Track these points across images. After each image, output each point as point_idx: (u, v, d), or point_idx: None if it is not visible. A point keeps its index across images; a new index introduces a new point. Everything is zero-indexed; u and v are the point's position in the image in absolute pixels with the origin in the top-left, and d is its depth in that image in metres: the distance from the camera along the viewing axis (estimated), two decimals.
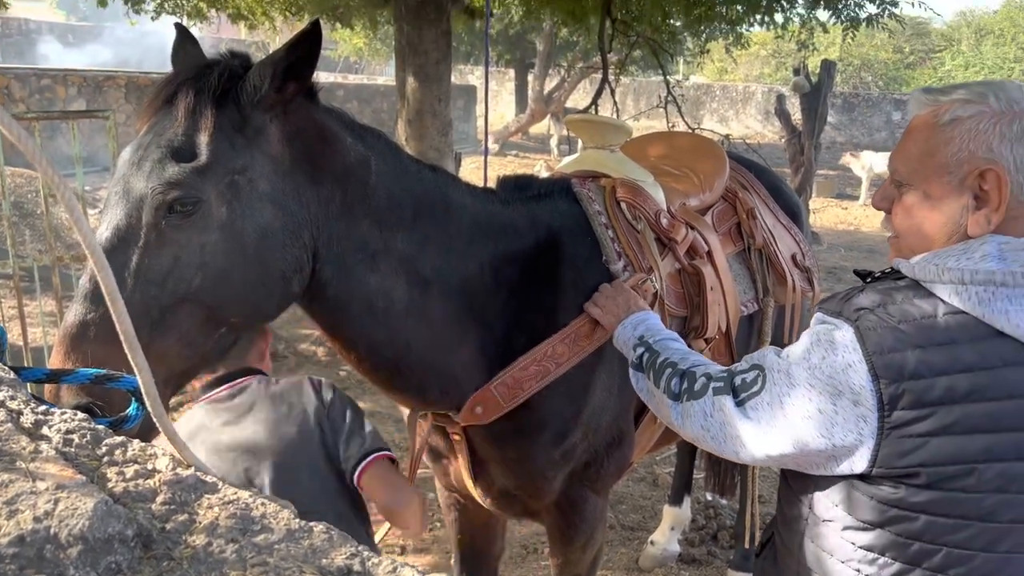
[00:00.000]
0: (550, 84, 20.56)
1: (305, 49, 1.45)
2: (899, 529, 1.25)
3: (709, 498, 3.98)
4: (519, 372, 1.82)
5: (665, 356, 1.59)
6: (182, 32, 1.67)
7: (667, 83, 7.53)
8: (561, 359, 1.83)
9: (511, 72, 27.53)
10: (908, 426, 1.19)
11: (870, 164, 14.79)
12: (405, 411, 2.12)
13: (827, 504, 1.34)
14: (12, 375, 0.78)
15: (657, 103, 7.67)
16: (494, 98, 28.64)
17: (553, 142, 20.29)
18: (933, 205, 1.28)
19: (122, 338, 0.66)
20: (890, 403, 1.19)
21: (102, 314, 1.33)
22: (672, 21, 8.47)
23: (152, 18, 9.62)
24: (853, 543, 1.30)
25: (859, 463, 1.24)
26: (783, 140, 10.88)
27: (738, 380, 1.39)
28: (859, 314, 1.24)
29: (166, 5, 9.14)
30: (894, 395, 1.19)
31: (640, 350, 1.66)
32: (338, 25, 10.56)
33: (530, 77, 23.25)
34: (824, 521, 1.35)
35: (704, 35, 9.81)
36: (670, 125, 7.60)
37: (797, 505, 1.43)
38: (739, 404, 1.36)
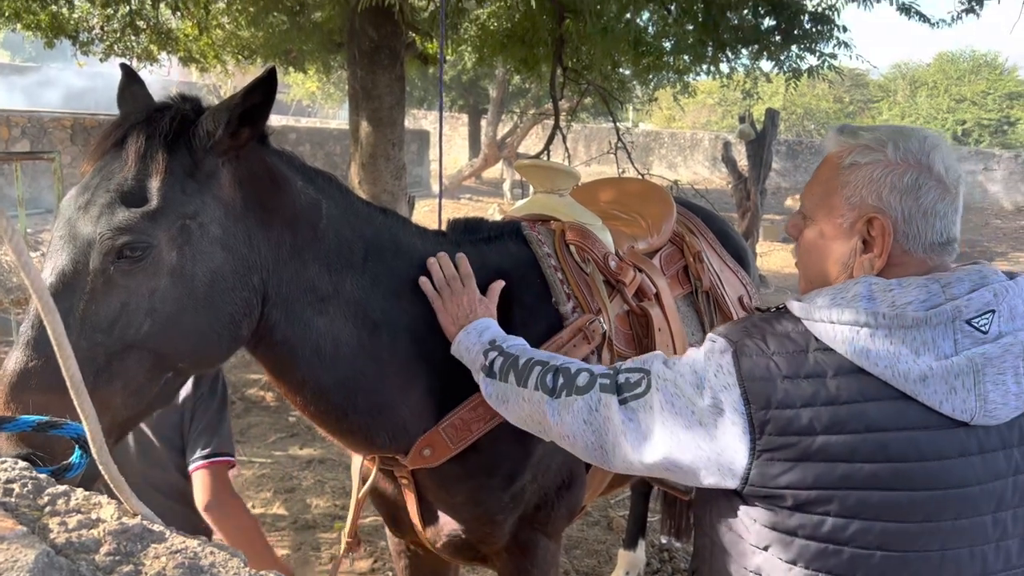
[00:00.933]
0: (503, 129, 20.85)
1: (261, 95, 1.45)
2: (778, 552, 1.29)
3: (664, 541, 3.98)
4: (467, 413, 1.81)
5: (529, 356, 1.60)
6: (128, 73, 1.66)
7: (617, 130, 7.70)
8: None
9: (464, 117, 27.83)
10: (776, 451, 1.25)
11: None
12: (352, 455, 2.10)
13: (723, 530, 1.38)
14: None
15: (607, 149, 7.82)
16: (448, 143, 28.88)
17: (506, 186, 20.51)
18: (826, 243, 1.35)
19: (68, 383, 0.65)
20: (759, 428, 1.25)
21: (44, 362, 1.29)
22: (621, 70, 8.70)
23: (101, 60, 9.53)
24: (745, 567, 1.35)
25: (732, 480, 1.29)
26: (730, 186, 11.16)
27: (622, 379, 1.41)
28: (740, 340, 1.31)
29: (115, 47, 9.07)
30: (763, 420, 1.25)
31: (493, 355, 1.65)
32: (291, 69, 10.60)
33: (483, 122, 23.53)
34: (722, 548, 1.39)
35: (652, 84, 10.10)
36: (620, 171, 7.76)
37: (701, 535, 1.47)
38: (622, 403, 1.38)
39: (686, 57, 8.01)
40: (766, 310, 1.43)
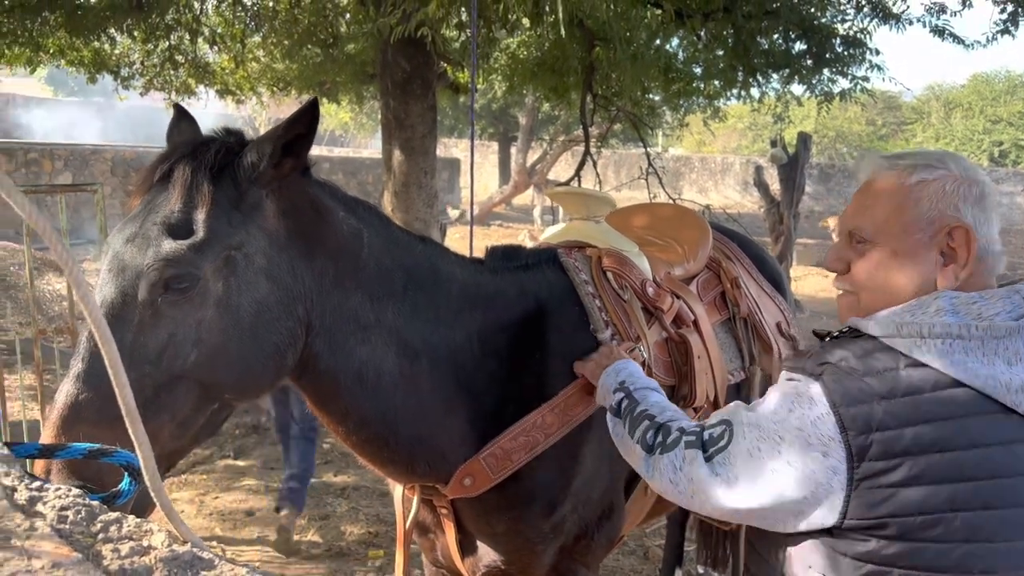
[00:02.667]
0: (532, 156, 20.94)
1: (303, 126, 1.48)
2: None
3: (700, 571, 3.91)
4: (508, 442, 1.80)
5: (644, 407, 1.59)
6: (179, 111, 1.71)
7: (648, 155, 7.70)
8: (550, 429, 1.82)
9: (494, 145, 28.05)
10: (877, 477, 1.20)
11: None
12: (393, 485, 2.10)
13: (801, 567, 1.33)
14: (5, 451, 0.78)
15: (638, 175, 7.82)
16: (478, 170, 29.07)
17: (536, 212, 20.56)
18: (902, 262, 1.32)
19: (124, 411, 0.67)
20: (859, 454, 1.20)
21: (94, 395, 1.31)
22: (651, 96, 8.72)
23: (141, 93, 9.78)
24: None
25: (830, 516, 1.24)
26: (762, 210, 11.08)
27: (707, 435, 1.39)
28: (824, 368, 1.27)
29: (155, 81, 9.31)
30: (862, 446, 1.20)
31: (619, 395, 1.66)
32: (324, 100, 10.78)
33: (513, 150, 23.68)
34: None
35: (683, 109, 10.09)
36: (651, 196, 7.74)
37: (767, 570, 1.42)
38: (708, 459, 1.36)
39: (716, 82, 8.02)
40: (828, 335, 1.41)
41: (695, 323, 2.17)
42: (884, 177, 1.37)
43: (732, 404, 1.45)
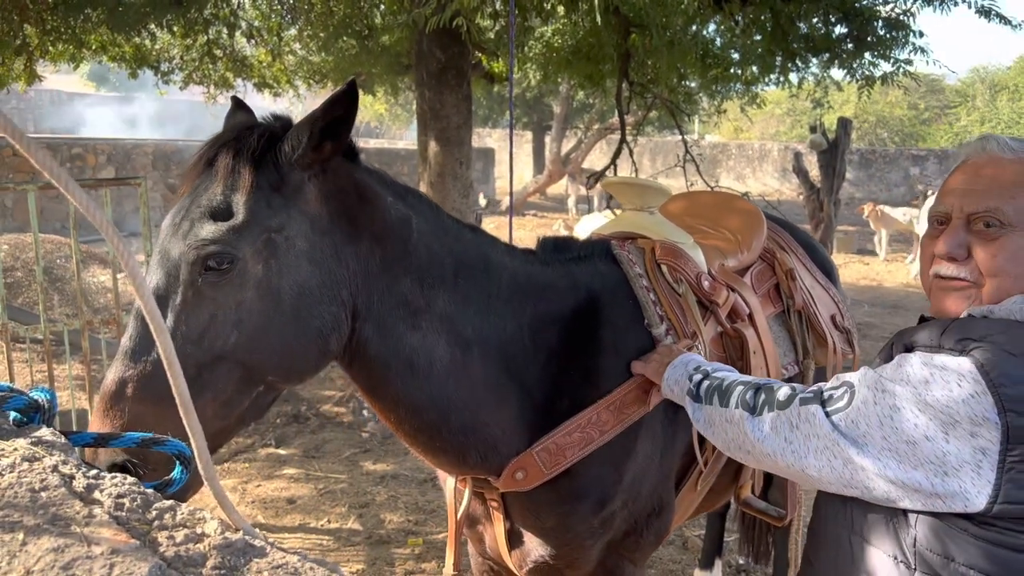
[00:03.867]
0: (567, 145, 20.88)
1: (342, 109, 1.48)
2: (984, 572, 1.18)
3: (741, 562, 3.88)
4: (562, 438, 1.78)
5: (733, 378, 1.55)
6: (236, 103, 1.73)
7: (685, 143, 7.62)
8: (606, 426, 1.80)
9: (528, 134, 28.00)
10: None
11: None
12: (444, 477, 2.10)
13: (899, 549, 1.26)
14: (63, 439, 0.79)
15: (676, 163, 7.73)
16: (513, 160, 28.97)
17: (571, 202, 20.52)
18: None
19: (177, 400, 0.67)
20: (1016, 436, 1.13)
21: (140, 372, 1.35)
22: (687, 82, 8.62)
23: (180, 88, 9.93)
24: None
25: (976, 500, 1.16)
26: (801, 197, 10.91)
27: (826, 394, 1.33)
28: (968, 344, 1.20)
29: (194, 75, 9.44)
30: (1021, 427, 1.13)
31: (698, 377, 1.62)
32: (360, 91, 10.85)
33: (547, 139, 23.60)
34: (884, 563, 1.28)
35: (720, 95, 9.96)
36: (689, 184, 7.66)
37: (833, 558, 1.37)
38: (826, 416, 1.30)
39: (754, 68, 7.90)
40: (951, 322, 1.32)
41: (750, 317, 2.12)
42: (1013, 162, 1.31)
43: (860, 369, 1.36)
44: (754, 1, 6.31)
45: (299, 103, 10.30)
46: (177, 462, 0.88)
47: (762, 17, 6.77)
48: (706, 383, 1.59)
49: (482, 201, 17.71)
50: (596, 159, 23.23)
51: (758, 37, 7.27)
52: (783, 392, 1.40)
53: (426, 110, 6.33)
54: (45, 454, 0.72)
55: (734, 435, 1.48)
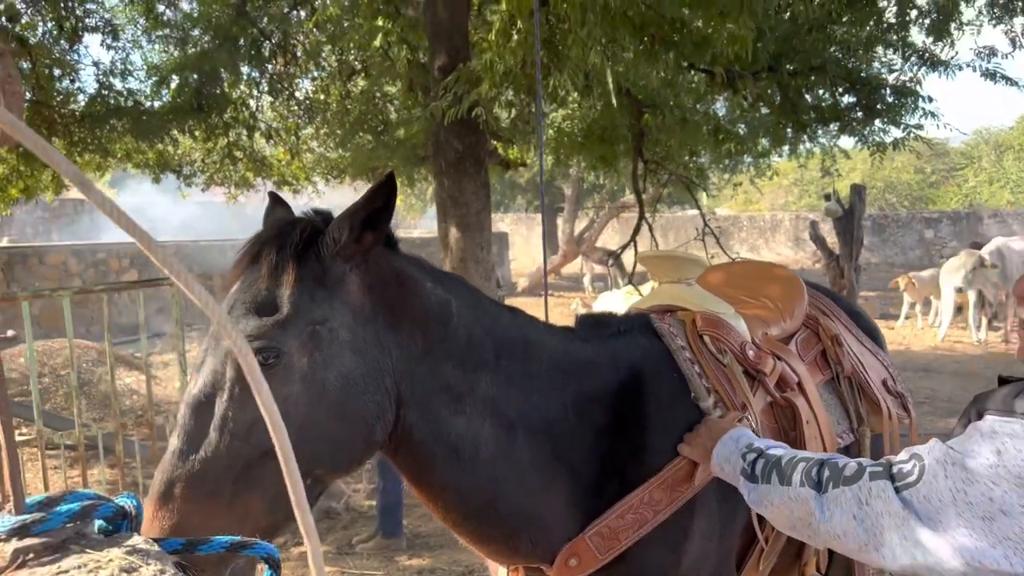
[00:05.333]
0: (579, 225, 21.09)
1: (382, 200, 1.49)
2: None
3: None
4: (615, 521, 1.72)
5: (792, 455, 1.48)
6: (274, 198, 1.76)
7: (703, 216, 7.68)
8: (659, 506, 1.73)
9: (539, 216, 28.40)
10: None
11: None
12: (495, 568, 2.03)
13: None
14: (156, 547, 0.76)
15: (693, 236, 7.78)
16: (525, 243, 29.41)
17: (586, 280, 20.58)
18: None
19: (294, 502, 0.65)
20: None
21: (187, 471, 1.34)
22: (698, 158, 8.75)
23: (202, 189, 10.16)
24: None
25: None
26: (817, 265, 10.93)
27: (895, 468, 1.27)
28: None
29: (215, 177, 9.68)
30: None
31: (752, 456, 1.56)
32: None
33: (559, 220, 23.89)
34: None
35: (730, 169, 10.11)
36: (710, 256, 7.68)
37: None
38: (896, 491, 1.24)
39: (765, 141, 8.01)
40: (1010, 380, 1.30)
41: (799, 385, 2.06)
42: None
43: (930, 441, 1.31)
44: (761, 77, 6.45)
45: (318, 198, 10.50)
46: (267, 566, 0.84)
47: (769, 91, 6.91)
48: (762, 461, 1.54)
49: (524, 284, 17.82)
50: (609, 237, 23.43)
51: (766, 111, 7.41)
52: (850, 467, 1.35)
53: (445, 198, 6.42)
54: (142, 563, 0.69)
55: (799, 514, 1.42)
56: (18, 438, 4.08)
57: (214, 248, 13.69)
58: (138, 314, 3.97)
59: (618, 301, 6.65)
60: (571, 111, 7.79)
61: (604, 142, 7.25)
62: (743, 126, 7.89)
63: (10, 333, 10.97)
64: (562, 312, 13.04)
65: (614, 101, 4.91)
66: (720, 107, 8.42)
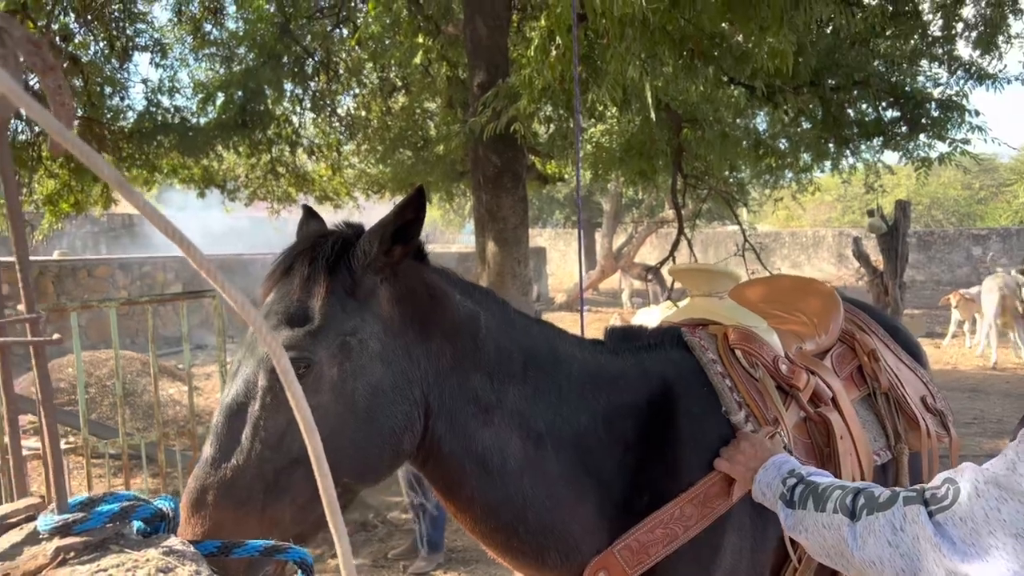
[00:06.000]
0: (618, 241, 21.03)
1: (412, 213, 1.51)
2: None
3: None
4: (644, 535, 1.71)
5: (830, 483, 1.47)
6: (308, 212, 1.79)
7: (743, 232, 7.61)
8: (690, 521, 1.72)
9: (577, 231, 28.36)
10: None
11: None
12: None
13: None
14: (192, 549, 0.78)
15: (734, 252, 7.71)
16: (562, 258, 29.39)
17: (624, 295, 20.48)
18: None
19: (326, 507, 0.66)
20: None
21: (220, 479, 1.37)
22: (738, 173, 8.69)
23: (245, 204, 10.36)
24: None
25: None
26: (860, 282, 10.73)
27: (928, 493, 1.25)
28: None
29: (258, 192, 9.86)
30: None
31: (792, 481, 1.55)
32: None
33: (597, 235, 23.85)
34: None
35: (771, 184, 10.00)
36: (750, 272, 7.61)
37: None
38: (930, 515, 1.22)
39: (806, 156, 7.93)
40: None
41: (833, 400, 2.03)
42: None
43: (962, 464, 1.29)
44: (802, 92, 6.39)
45: (359, 213, 10.64)
46: (299, 570, 0.86)
47: (811, 105, 6.84)
48: (801, 487, 1.53)
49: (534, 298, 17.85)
50: (647, 253, 23.32)
51: (808, 125, 7.34)
52: (884, 494, 1.33)
53: (484, 213, 6.46)
54: (178, 564, 0.71)
55: (832, 541, 1.40)
56: (64, 446, 4.19)
57: (256, 262, 13.93)
58: (181, 326, 4.04)
59: (657, 317, 6.62)
60: (610, 126, 7.79)
61: (643, 157, 7.23)
62: (784, 141, 7.82)
63: (55, 336, 11.24)
64: (599, 327, 12.93)
65: (653, 116, 4.90)
66: (760, 122, 8.35)
